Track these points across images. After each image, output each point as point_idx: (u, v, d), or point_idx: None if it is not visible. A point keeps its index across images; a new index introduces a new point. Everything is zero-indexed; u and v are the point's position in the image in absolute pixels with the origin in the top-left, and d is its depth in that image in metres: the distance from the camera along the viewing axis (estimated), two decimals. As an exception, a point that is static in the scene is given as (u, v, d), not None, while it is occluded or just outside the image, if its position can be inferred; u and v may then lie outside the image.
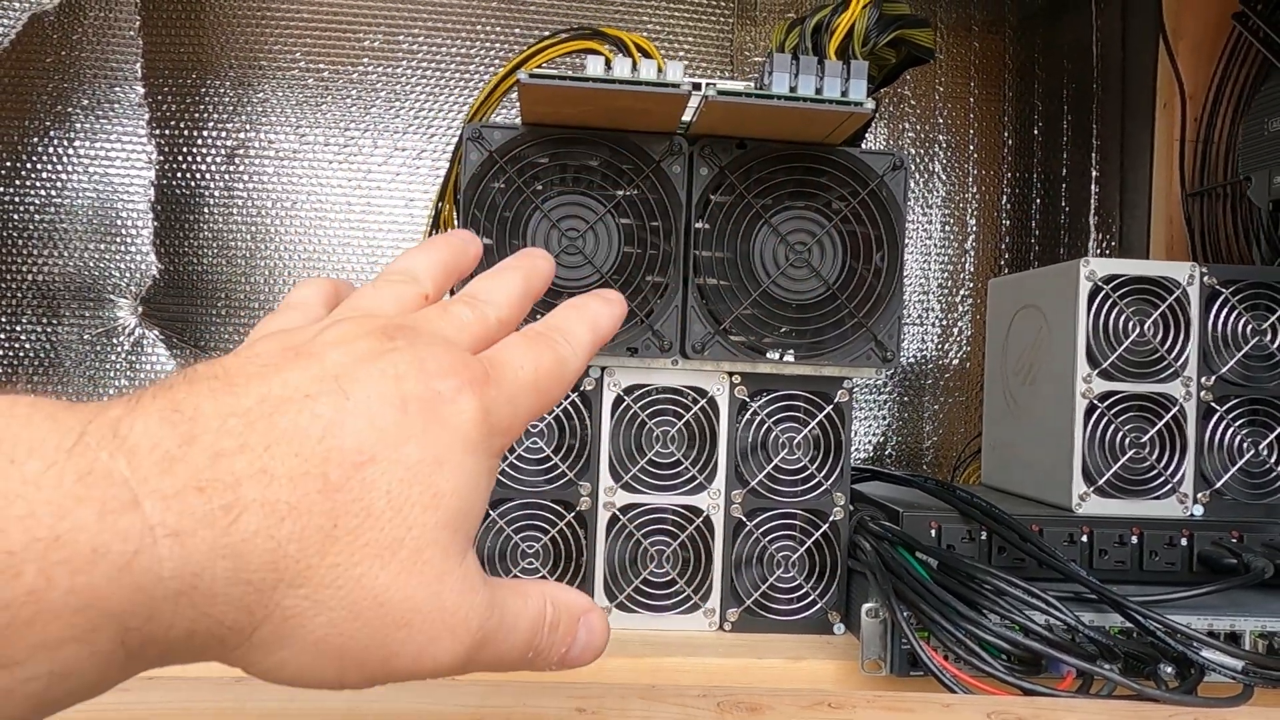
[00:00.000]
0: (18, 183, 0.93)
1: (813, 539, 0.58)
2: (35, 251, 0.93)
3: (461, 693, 0.40)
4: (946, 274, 1.05)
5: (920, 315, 1.04)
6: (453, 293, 0.32)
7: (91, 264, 0.94)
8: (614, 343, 0.56)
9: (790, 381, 0.58)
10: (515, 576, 0.55)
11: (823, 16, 0.53)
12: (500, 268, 0.31)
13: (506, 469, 0.56)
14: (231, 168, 0.96)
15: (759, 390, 0.58)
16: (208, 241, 0.96)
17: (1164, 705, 0.44)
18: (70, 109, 0.94)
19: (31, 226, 0.93)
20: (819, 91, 0.50)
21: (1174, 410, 0.61)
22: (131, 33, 0.95)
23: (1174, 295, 0.61)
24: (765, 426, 0.58)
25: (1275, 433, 0.62)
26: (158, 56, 0.95)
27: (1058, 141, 1.07)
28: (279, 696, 0.39)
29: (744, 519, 0.57)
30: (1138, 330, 0.61)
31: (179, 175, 0.95)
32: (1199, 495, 0.61)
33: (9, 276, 0.93)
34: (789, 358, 0.57)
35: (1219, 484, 0.61)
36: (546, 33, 0.62)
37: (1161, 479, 0.61)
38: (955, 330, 1.05)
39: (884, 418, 1.04)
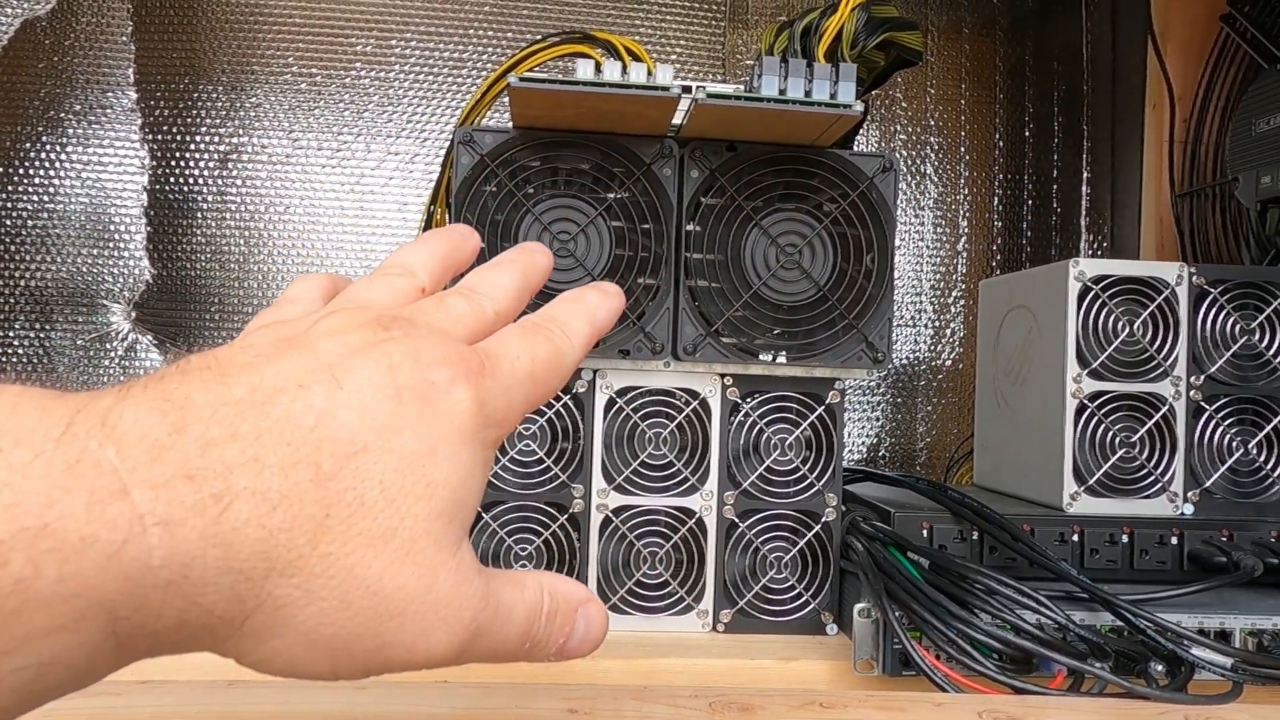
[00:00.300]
0: (10, 188, 0.93)
1: (805, 540, 0.58)
2: (28, 257, 0.93)
3: (454, 694, 0.40)
4: (939, 275, 1.05)
5: (913, 316, 1.05)
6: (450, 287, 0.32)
7: (84, 269, 0.94)
8: (606, 344, 0.56)
9: (782, 383, 0.58)
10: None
11: (811, 19, 0.54)
12: (498, 261, 0.31)
13: (499, 471, 0.56)
14: (224, 172, 0.96)
15: (751, 392, 0.58)
16: (201, 246, 0.96)
17: (1154, 703, 0.44)
18: (63, 114, 0.94)
19: (24, 232, 0.93)
20: (808, 94, 0.50)
21: (1164, 410, 0.61)
22: (124, 38, 0.95)
23: (1163, 295, 0.61)
24: (757, 428, 0.58)
25: (1264, 432, 0.62)
26: (150, 62, 0.95)
27: (1049, 143, 1.07)
28: (272, 699, 0.39)
29: (736, 520, 0.58)
30: (1127, 330, 0.61)
31: (172, 180, 0.96)
32: (1189, 494, 0.62)
33: (2, 282, 0.93)
34: (781, 359, 0.57)
35: (1209, 483, 0.62)
36: (539, 37, 0.62)
37: (1152, 478, 0.61)
38: (948, 331, 1.05)
39: (877, 419, 1.04)
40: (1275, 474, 0.62)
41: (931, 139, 1.05)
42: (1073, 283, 0.61)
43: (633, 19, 1.01)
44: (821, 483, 0.58)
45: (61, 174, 0.94)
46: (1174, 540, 0.59)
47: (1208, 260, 0.87)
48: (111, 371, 0.94)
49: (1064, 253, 1.06)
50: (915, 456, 1.04)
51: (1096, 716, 0.42)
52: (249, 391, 0.23)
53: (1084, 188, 1.07)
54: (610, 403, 0.57)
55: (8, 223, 0.93)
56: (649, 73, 0.51)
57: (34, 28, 0.93)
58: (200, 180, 0.96)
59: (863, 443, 1.04)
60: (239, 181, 0.96)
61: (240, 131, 0.96)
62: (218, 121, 0.96)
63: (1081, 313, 0.61)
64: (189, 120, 0.96)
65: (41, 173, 0.94)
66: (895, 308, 1.04)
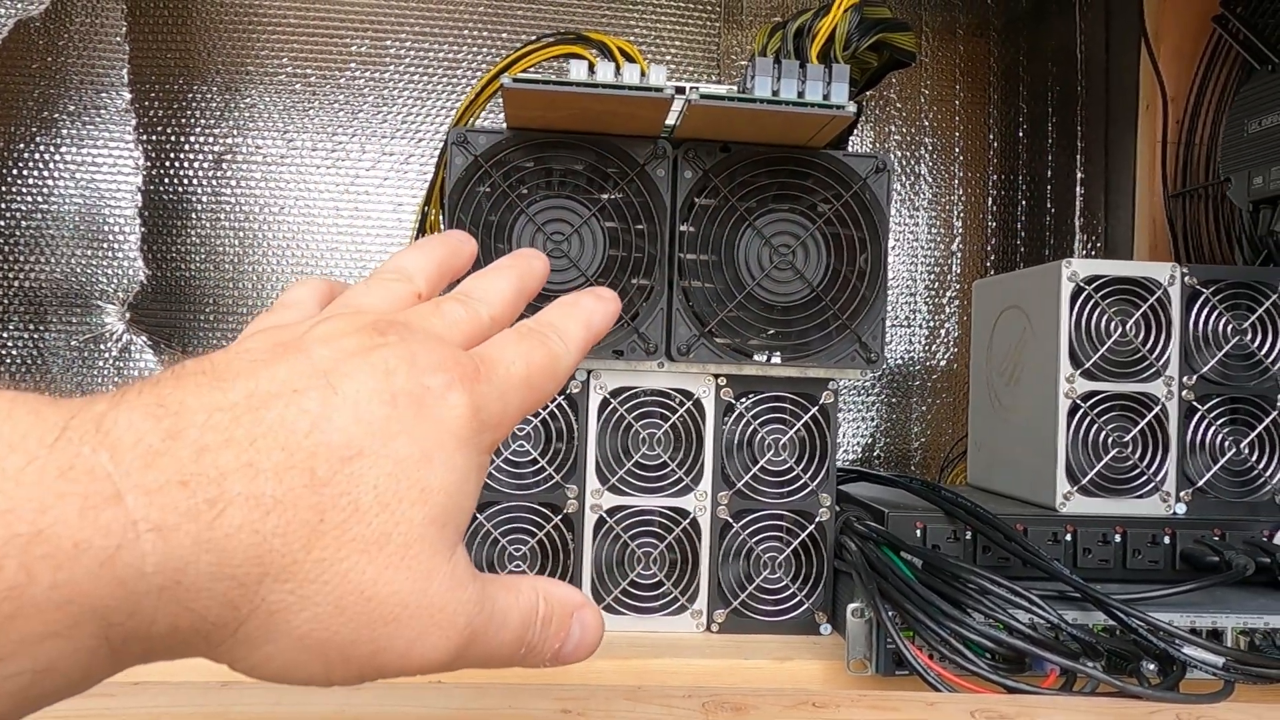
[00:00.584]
0: (4, 189, 0.93)
1: (799, 540, 0.58)
2: (22, 258, 0.93)
3: (448, 694, 0.40)
4: (933, 276, 1.05)
5: (908, 317, 1.05)
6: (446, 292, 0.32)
7: (79, 270, 0.94)
8: (600, 345, 0.56)
9: (776, 383, 0.58)
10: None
11: (804, 21, 0.54)
12: (494, 266, 0.31)
13: (494, 472, 0.56)
14: (219, 173, 0.96)
15: (745, 392, 0.58)
16: (195, 247, 0.96)
17: (1146, 701, 0.44)
18: (57, 115, 0.94)
19: (18, 233, 0.93)
20: (801, 95, 0.50)
21: (1156, 409, 0.61)
22: (118, 38, 0.95)
23: (1155, 295, 0.62)
24: (751, 428, 0.58)
25: (1256, 431, 0.62)
26: (144, 62, 0.95)
27: (1043, 144, 1.07)
28: (264, 701, 0.39)
29: (730, 520, 0.58)
30: (1120, 330, 0.61)
31: (166, 181, 0.95)
32: (1181, 494, 0.62)
33: (-5, 283, 0.93)
34: (775, 359, 0.57)
35: (1201, 482, 0.62)
36: (533, 38, 0.62)
37: (1144, 478, 0.61)
38: (942, 331, 1.05)
39: (872, 419, 1.04)
40: (1267, 473, 0.62)
41: (926, 139, 1.06)
42: (1065, 283, 0.61)
43: (627, 19, 1.01)
44: (815, 483, 0.58)
45: (55, 174, 0.94)
46: (1166, 540, 0.59)
47: (1201, 261, 0.87)
48: (106, 373, 0.94)
49: (1058, 253, 1.07)
50: (910, 456, 1.05)
51: (1088, 715, 0.42)
52: (244, 397, 0.23)
53: (1078, 188, 1.07)
54: (604, 403, 0.57)
55: (1, 223, 0.93)
56: (642, 74, 0.51)
57: (28, 28, 0.93)
58: (195, 181, 0.96)
59: (858, 443, 1.04)
60: (234, 182, 0.96)
61: (235, 132, 0.96)
62: (212, 122, 0.96)
63: (1074, 313, 0.61)
64: (183, 121, 0.96)
65: (35, 173, 0.93)
66: (890, 308, 1.05)
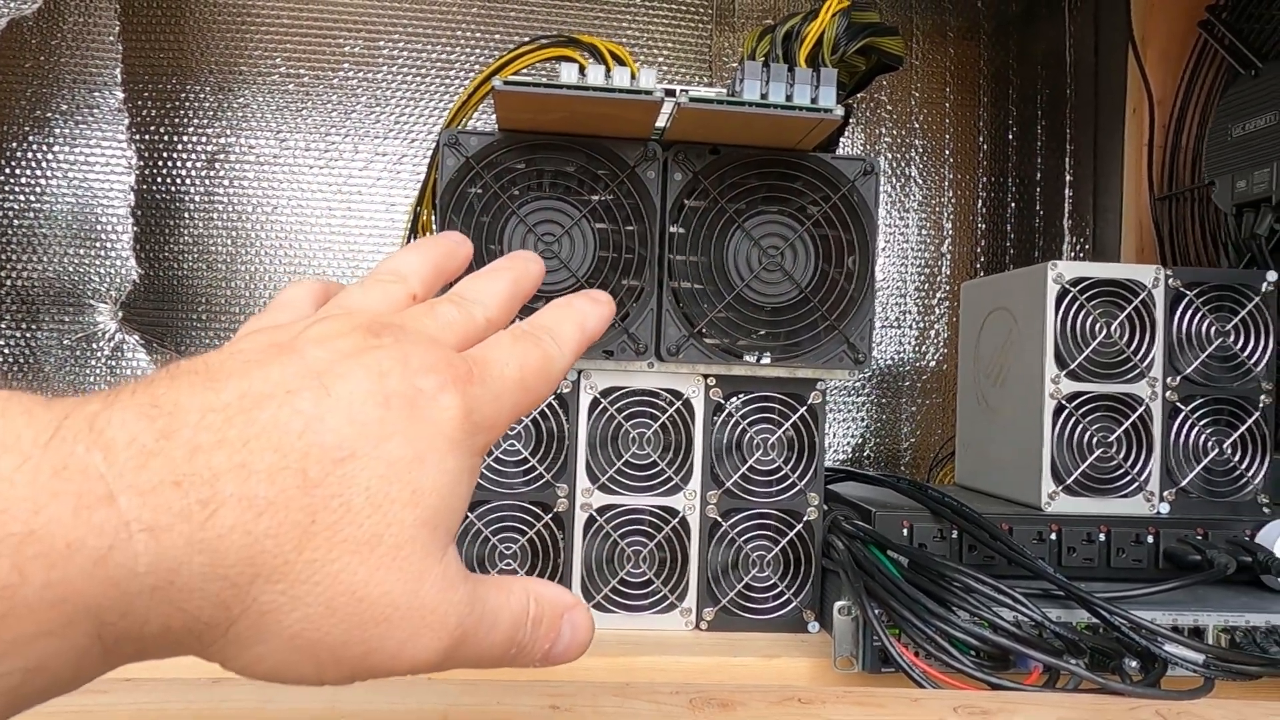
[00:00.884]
0: (-4, 188, 0.93)
1: (787, 539, 0.58)
2: (14, 257, 0.93)
3: (436, 691, 0.41)
4: (923, 277, 1.06)
5: (898, 318, 1.06)
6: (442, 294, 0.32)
7: (71, 269, 0.94)
8: (591, 345, 0.56)
9: (764, 383, 0.59)
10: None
11: (793, 25, 0.54)
12: (489, 269, 0.31)
13: (484, 471, 0.57)
14: (212, 173, 0.96)
15: (734, 392, 0.59)
16: (188, 246, 0.96)
17: (1126, 698, 0.45)
18: (49, 114, 0.94)
19: (10, 232, 0.93)
20: (789, 98, 0.51)
21: (1140, 410, 0.62)
22: (111, 38, 0.95)
23: (1139, 298, 0.62)
24: (740, 428, 0.59)
25: (1239, 432, 0.63)
26: (137, 61, 0.95)
27: (1032, 146, 1.08)
28: (254, 698, 0.39)
29: (719, 519, 0.58)
30: (1104, 332, 0.62)
31: (159, 180, 0.96)
32: (1165, 493, 0.62)
33: (-13, 282, 0.93)
34: (765, 360, 0.58)
35: (1184, 482, 0.63)
36: (526, 39, 0.62)
37: (1128, 477, 0.62)
38: (932, 333, 1.06)
39: (862, 419, 1.05)
40: (1249, 473, 0.63)
41: (916, 142, 1.06)
42: (1051, 285, 0.62)
43: (620, 22, 1.01)
44: (804, 482, 0.58)
45: (48, 174, 0.94)
46: (1150, 539, 0.60)
47: (1186, 263, 0.88)
48: (98, 372, 0.95)
49: (1047, 255, 1.07)
50: (900, 456, 1.05)
51: (1069, 711, 0.43)
52: (237, 397, 0.23)
53: (1067, 190, 1.08)
54: (594, 403, 0.58)
55: (-6, 222, 0.93)
56: (632, 76, 0.51)
57: (21, 27, 0.93)
58: (187, 180, 0.96)
59: (848, 443, 1.05)
60: (226, 182, 0.97)
61: (228, 132, 0.96)
62: (205, 122, 0.96)
63: (1060, 314, 0.62)
64: (176, 120, 0.96)
65: (28, 172, 0.93)
66: (880, 309, 1.06)
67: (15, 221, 0.93)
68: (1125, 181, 0.98)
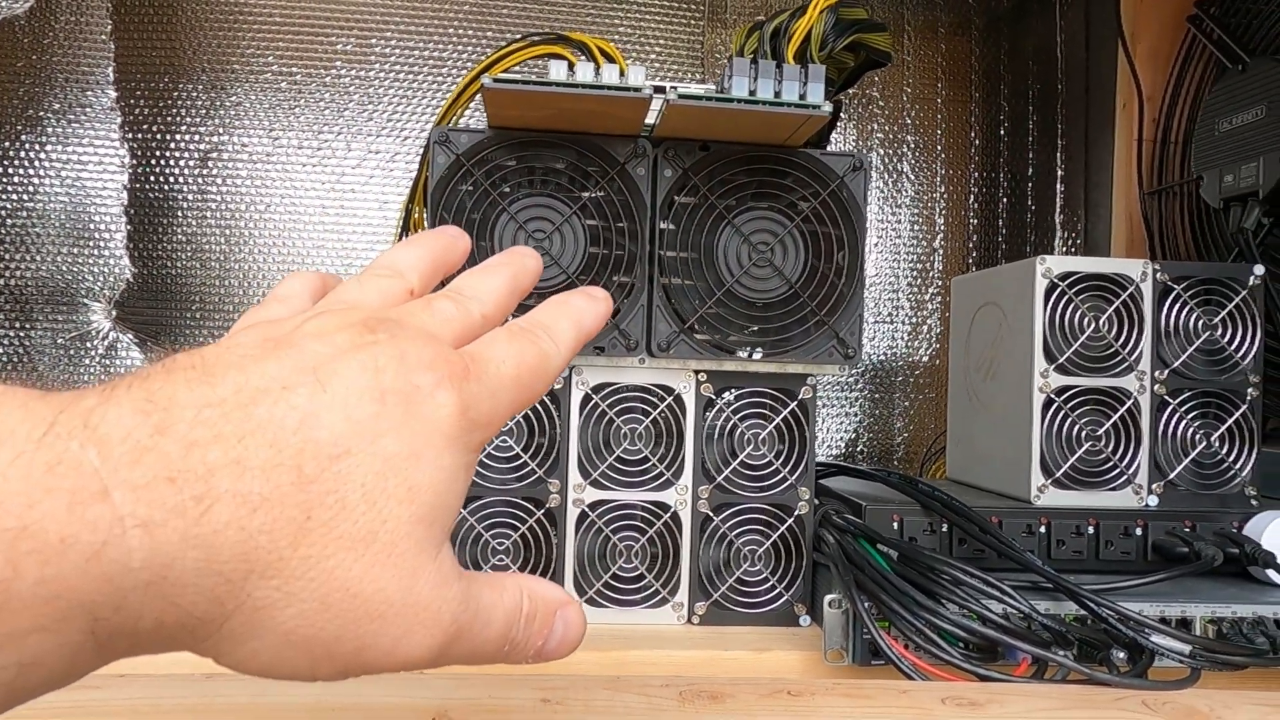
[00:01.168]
0: (-11, 187, 0.93)
1: (778, 533, 0.59)
2: (8, 256, 0.93)
3: (429, 685, 0.41)
4: (916, 272, 1.07)
5: (890, 313, 1.06)
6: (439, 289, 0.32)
7: (65, 268, 0.94)
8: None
9: (755, 379, 0.59)
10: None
11: (781, 21, 0.55)
12: (487, 264, 0.31)
13: (477, 467, 0.57)
14: (205, 171, 0.96)
15: (725, 387, 0.59)
16: (181, 245, 0.96)
17: (1113, 688, 0.45)
18: (42, 113, 0.94)
19: (3, 231, 0.93)
20: (777, 95, 0.51)
21: (1128, 404, 0.63)
22: (103, 36, 0.95)
23: (1128, 292, 0.63)
24: (731, 423, 0.59)
25: (1226, 425, 0.64)
26: (130, 60, 0.95)
27: (1024, 141, 1.08)
28: (248, 692, 0.39)
29: (711, 514, 0.59)
30: (1093, 326, 0.62)
31: (152, 179, 0.96)
32: (1153, 486, 0.63)
33: (-19, 281, 0.93)
34: (756, 355, 0.58)
35: (1172, 475, 0.63)
36: (518, 36, 0.62)
37: (1117, 471, 0.63)
38: (925, 328, 1.06)
39: (855, 415, 1.05)
40: (1236, 466, 0.63)
41: (908, 137, 1.07)
42: (1040, 279, 0.62)
43: (612, 18, 1.01)
44: (794, 477, 0.59)
45: (41, 172, 0.94)
46: (1138, 531, 0.60)
47: (1176, 257, 0.88)
48: (92, 370, 0.95)
49: (1039, 250, 1.08)
50: (893, 451, 1.06)
51: (1056, 702, 0.43)
52: (233, 392, 0.23)
53: (1058, 185, 1.08)
54: (586, 399, 0.58)
55: (-13, 221, 0.93)
56: (621, 73, 0.51)
57: (13, 26, 0.93)
58: (180, 179, 0.96)
59: (841, 438, 1.05)
60: (219, 180, 0.97)
61: (220, 130, 0.96)
62: (198, 120, 0.96)
63: (1048, 309, 0.62)
64: (169, 119, 0.96)
65: (21, 171, 0.93)
66: (873, 304, 1.06)
67: (8, 221, 0.93)
68: (1115, 176, 0.98)
